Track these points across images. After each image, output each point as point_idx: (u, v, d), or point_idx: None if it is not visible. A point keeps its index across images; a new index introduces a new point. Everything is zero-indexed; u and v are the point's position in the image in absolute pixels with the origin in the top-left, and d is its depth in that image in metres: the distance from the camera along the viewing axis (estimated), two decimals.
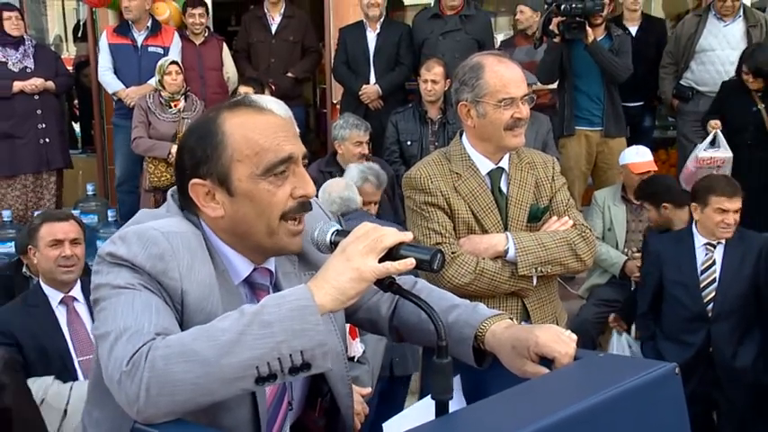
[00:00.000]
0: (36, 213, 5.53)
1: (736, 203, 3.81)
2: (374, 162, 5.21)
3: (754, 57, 5.13)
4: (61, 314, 3.39)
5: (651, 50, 5.95)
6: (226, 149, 1.52)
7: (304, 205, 1.56)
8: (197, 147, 1.55)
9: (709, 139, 5.14)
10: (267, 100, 1.61)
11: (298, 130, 1.66)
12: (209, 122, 1.55)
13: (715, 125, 5.13)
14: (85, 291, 3.44)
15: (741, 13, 5.69)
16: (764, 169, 5.21)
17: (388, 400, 3.29)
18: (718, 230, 3.85)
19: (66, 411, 3.13)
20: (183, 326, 1.45)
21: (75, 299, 3.44)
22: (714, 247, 3.90)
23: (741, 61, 5.21)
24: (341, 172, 5.06)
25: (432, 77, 5.41)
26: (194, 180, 1.54)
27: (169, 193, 1.66)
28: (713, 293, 3.87)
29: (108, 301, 1.44)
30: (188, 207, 1.59)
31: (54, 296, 3.41)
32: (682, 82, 5.84)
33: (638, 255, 4.63)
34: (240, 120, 1.54)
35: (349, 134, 5.06)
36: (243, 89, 5.72)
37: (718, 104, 5.34)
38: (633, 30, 6.05)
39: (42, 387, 3.18)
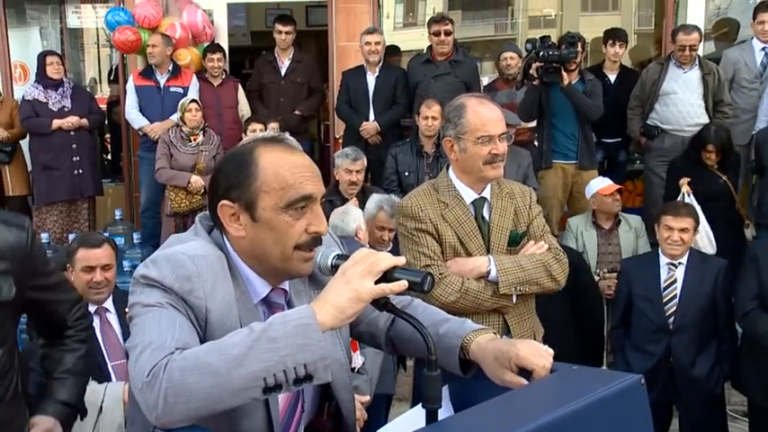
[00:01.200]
0: (72, 236, 5.56)
1: (681, 223, 3.83)
2: (372, 190, 5.22)
3: (718, 135, 5.08)
4: (95, 324, 3.41)
5: (627, 95, 6.01)
6: (256, 180, 1.53)
7: (316, 240, 1.57)
8: (232, 173, 1.56)
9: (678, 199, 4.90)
10: (292, 142, 1.64)
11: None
12: (247, 153, 1.57)
13: (684, 184, 4.89)
14: (116, 302, 3.47)
15: (697, 62, 5.76)
16: (734, 227, 5.23)
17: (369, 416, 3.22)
18: (666, 246, 3.89)
19: (101, 408, 3.16)
20: (206, 340, 1.45)
21: (107, 309, 3.47)
22: (676, 266, 3.91)
23: (702, 141, 5.11)
24: (342, 200, 5.07)
25: (432, 114, 5.40)
26: (224, 201, 1.56)
27: (198, 217, 1.67)
28: (674, 308, 3.88)
29: (139, 318, 1.46)
30: (216, 225, 1.60)
31: (90, 307, 3.40)
32: (648, 121, 5.88)
33: (609, 275, 4.62)
34: (273, 156, 1.55)
35: (340, 162, 5.09)
36: (255, 125, 5.75)
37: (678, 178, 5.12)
38: (612, 77, 6.12)
39: None
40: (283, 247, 1.54)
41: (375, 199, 4.33)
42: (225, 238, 1.59)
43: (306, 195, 1.54)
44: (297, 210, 1.54)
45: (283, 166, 1.54)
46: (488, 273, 2.67)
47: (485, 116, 2.62)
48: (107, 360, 3.36)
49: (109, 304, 3.47)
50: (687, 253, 3.92)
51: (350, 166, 5.04)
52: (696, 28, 5.77)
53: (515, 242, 2.75)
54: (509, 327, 2.74)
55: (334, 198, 5.13)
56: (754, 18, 5.95)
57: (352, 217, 3.97)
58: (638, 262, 4.19)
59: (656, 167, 5.89)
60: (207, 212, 1.65)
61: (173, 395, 1.31)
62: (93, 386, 3.21)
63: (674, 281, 3.91)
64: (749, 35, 6.16)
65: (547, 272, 2.72)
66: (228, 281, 1.53)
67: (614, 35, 6.09)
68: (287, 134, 3.45)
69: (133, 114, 6.31)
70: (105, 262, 3.46)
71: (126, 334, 3.35)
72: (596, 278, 4.71)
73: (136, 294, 1.50)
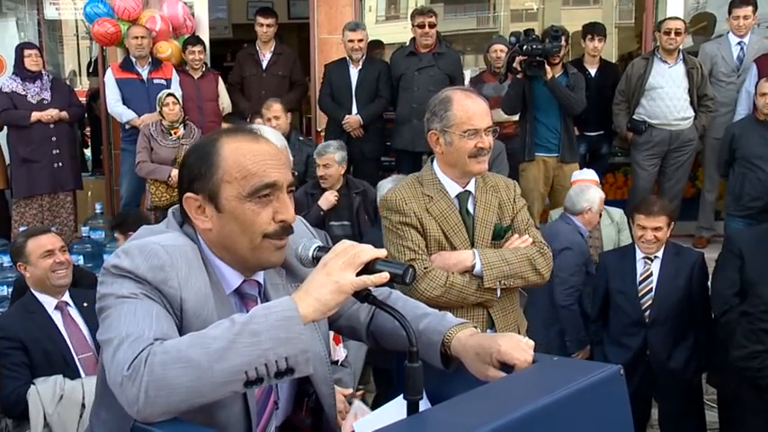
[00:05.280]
0: (54, 230, 5.51)
1: (653, 222, 3.84)
2: (355, 182, 5.22)
3: None
4: (57, 318, 3.43)
5: (608, 89, 6.07)
6: (218, 170, 1.52)
7: (285, 229, 1.55)
8: (194, 165, 1.55)
9: None
10: (266, 130, 1.60)
11: (291, 158, 1.65)
12: (209, 144, 1.55)
13: None
14: (74, 297, 3.50)
15: (681, 57, 5.83)
16: None
17: None
18: (640, 244, 3.91)
19: (83, 405, 3.14)
20: (183, 330, 1.44)
21: (67, 303, 3.48)
22: (652, 260, 3.94)
23: None
24: (322, 193, 5.08)
25: (273, 115, 5.53)
26: (188, 194, 1.55)
27: (170, 210, 1.65)
28: (650, 301, 3.91)
29: (113, 309, 1.42)
30: (186, 219, 1.59)
31: (49, 302, 3.44)
32: (635, 117, 5.93)
33: None
34: (235, 145, 1.53)
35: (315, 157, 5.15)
36: (224, 125, 5.71)
37: None
38: (593, 71, 6.15)
39: (57, 384, 3.21)
40: (251, 236, 1.52)
41: (388, 182, 4.32)
42: (196, 231, 1.58)
43: (269, 183, 1.52)
44: (261, 198, 1.52)
45: (245, 154, 1.52)
46: (473, 267, 2.66)
47: (471, 110, 2.62)
48: (74, 354, 3.35)
49: (67, 298, 3.48)
50: (663, 247, 3.95)
51: (317, 160, 5.11)
52: (679, 18, 5.89)
53: (500, 236, 2.74)
54: (493, 321, 2.74)
55: (316, 192, 5.13)
56: (730, 13, 6.03)
57: (585, 196, 4.09)
58: (615, 256, 4.20)
59: (642, 161, 5.96)
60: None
61: (154, 389, 1.30)
62: (71, 384, 3.19)
63: (650, 275, 3.93)
64: (726, 29, 6.23)
65: (531, 265, 2.71)
66: (203, 271, 1.51)
67: (593, 29, 6.12)
68: (257, 125, 3.44)
69: (119, 108, 6.24)
70: (60, 245, 3.53)
71: (90, 327, 3.35)
72: None
73: (107, 285, 1.46)
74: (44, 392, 3.16)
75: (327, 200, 5.03)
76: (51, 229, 3.89)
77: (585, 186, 4.47)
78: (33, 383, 3.20)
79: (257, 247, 1.53)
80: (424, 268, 2.62)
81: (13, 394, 3.20)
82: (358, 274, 1.43)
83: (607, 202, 5.15)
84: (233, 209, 1.52)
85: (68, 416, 3.11)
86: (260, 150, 1.54)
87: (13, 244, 3.63)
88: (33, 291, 3.47)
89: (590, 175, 4.94)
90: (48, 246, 3.45)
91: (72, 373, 3.27)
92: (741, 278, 3.64)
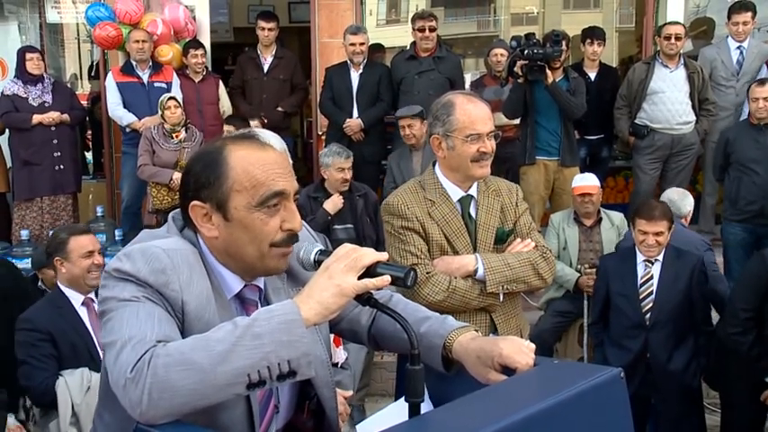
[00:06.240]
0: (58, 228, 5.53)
1: (655, 227, 3.84)
2: (357, 186, 5.23)
3: None
4: (84, 314, 3.51)
5: (608, 92, 6.10)
6: (227, 180, 1.51)
7: (291, 237, 1.56)
8: (201, 173, 1.54)
9: None
10: (268, 135, 1.60)
11: (290, 160, 1.66)
12: (216, 152, 1.54)
13: None
14: (98, 294, 3.51)
15: (682, 61, 5.85)
16: None
17: None
18: (641, 248, 3.92)
19: None
20: (185, 333, 1.44)
21: (92, 300, 3.54)
22: (652, 263, 3.95)
23: None
24: (327, 196, 5.08)
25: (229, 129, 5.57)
26: (195, 202, 1.54)
27: (170, 215, 1.65)
28: (651, 304, 3.91)
29: (115, 312, 1.43)
30: (188, 225, 1.58)
31: (76, 298, 3.51)
32: (636, 121, 5.95)
33: (590, 271, 4.66)
34: (243, 153, 1.53)
35: (332, 161, 5.06)
36: (226, 128, 5.71)
37: None
38: (592, 75, 6.17)
39: (84, 376, 3.31)
40: (259, 245, 1.53)
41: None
42: (198, 236, 1.58)
43: (278, 192, 1.52)
44: (270, 207, 1.52)
45: (253, 163, 1.52)
46: (476, 271, 2.65)
47: (473, 114, 2.61)
48: (98, 348, 3.42)
49: (92, 295, 3.54)
50: (663, 250, 3.95)
51: (343, 164, 5.06)
52: (679, 22, 5.92)
53: (502, 240, 2.74)
54: (496, 325, 2.73)
55: (319, 195, 5.13)
56: (729, 18, 6.04)
57: (688, 200, 4.27)
58: (616, 259, 4.20)
59: (644, 165, 5.99)
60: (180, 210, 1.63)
61: (157, 391, 1.31)
62: (95, 375, 3.31)
63: (651, 277, 3.94)
64: (725, 33, 6.24)
65: (534, 270, 2.71)
66: (204, 274, 1.52)
67: (592, 34, 6.14)
68: (257, 130, 3.45)
69: (119, 111, 6.24)
70: (98, 246, 3.63)
71: None
72: (576, 274, 4.76)
73: (109, 288, 1.47)
74: (72, 383, 3.27)
75: (334, 203, 5.03)
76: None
77: (683, 192, 4.67)
78: (61, 375, 3.30)
79: (264, 256, 1.54)
80: (427, 273, 2.61)
81: (41, 385, 3.30)
82: (359, 278, 1.43)
83: (607, 206, 5.18)
84: (241, 218, 1.51)
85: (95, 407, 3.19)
86: (268, 159, 1.53)
87: (53, 238, 3.68)
88: (62, 286, 3.54)
89: (591, 179, 4.95)
90: (89, 246, 3.53)
91: (96, 367, 3.34)
92: (762, 305, 3.56)
